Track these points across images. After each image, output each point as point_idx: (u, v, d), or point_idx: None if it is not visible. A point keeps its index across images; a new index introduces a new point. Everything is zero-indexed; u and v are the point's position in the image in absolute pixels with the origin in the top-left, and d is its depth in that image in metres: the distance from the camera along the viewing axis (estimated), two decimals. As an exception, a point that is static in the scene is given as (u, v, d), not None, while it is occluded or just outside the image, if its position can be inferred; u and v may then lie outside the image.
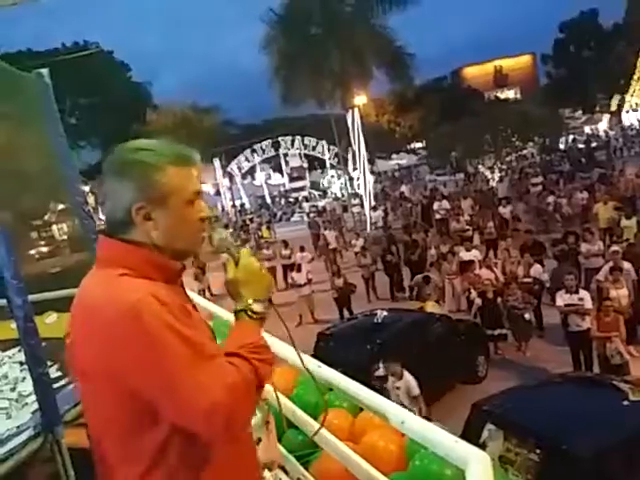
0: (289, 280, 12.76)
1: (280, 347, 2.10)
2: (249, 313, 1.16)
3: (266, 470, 2.13)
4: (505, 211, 15.38)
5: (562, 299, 7.35)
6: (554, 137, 30.24)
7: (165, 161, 1.09)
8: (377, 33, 20.59)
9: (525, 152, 30.09)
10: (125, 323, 0.96)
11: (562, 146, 34.42)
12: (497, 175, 24.43)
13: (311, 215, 25.07)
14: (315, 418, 2.19)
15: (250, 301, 1.17)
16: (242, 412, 1.02)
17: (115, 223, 1.11)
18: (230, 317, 2.43)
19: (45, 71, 2.73)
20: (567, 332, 7.38)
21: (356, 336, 7.62)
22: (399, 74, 22.09)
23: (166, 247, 1.11)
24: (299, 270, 11.89)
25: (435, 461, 1.90)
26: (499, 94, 49.43)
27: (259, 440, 2.19)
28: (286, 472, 2.19)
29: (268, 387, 2.29)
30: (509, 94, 53.65)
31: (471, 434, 4.07)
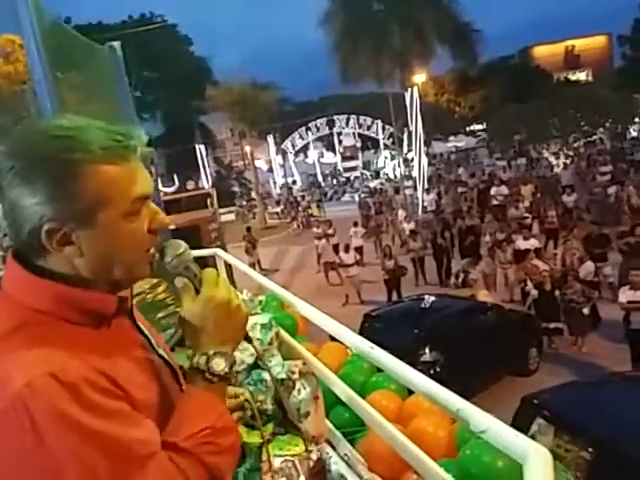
0: (337, 260, 12.85)
1: (331, 325, 2.11)
2: (207, 375, 0.82)
3: (313, 443, 2.18)
4: (569, 200, 14.65)
5: (625, 295, 6.98)
6: (627, 123, 28.27)
7: (89, 157, 0.73)
8: (442, 9, 19.94)
9: (594, 138, 28.35)
10: (4, 429, 0.65)
11: (635, 133, 32.19)
12: (562, 161, 23.23)
13: (362, 195, 24.91)
14: (363, 397, 2.21)
15: (211, 353, 0.83)
16: None
17: (21, 245, 0.77)
18: (281, 292, 2.49)
19: (117, 44, 2.82)
20: (629, 330, 7.01)
21: (403, 319, 7.57)
22: (463, 52, 21.38)
23: (96, 278, 0.78)
24: (347, 250, 11.92)
25: (487, 452, 1.87)
26: (569, 76, 46.61)
27: (307, 414, 2.23)
28: (333, 447, 2.22)
29: (318, 363, 2.33)
30: (580, 76, 50.48)
31: (519, 427, 3.98)
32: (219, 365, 0.82)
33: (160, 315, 2.63)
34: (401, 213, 16.38)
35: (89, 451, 0.65)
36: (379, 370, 2.70)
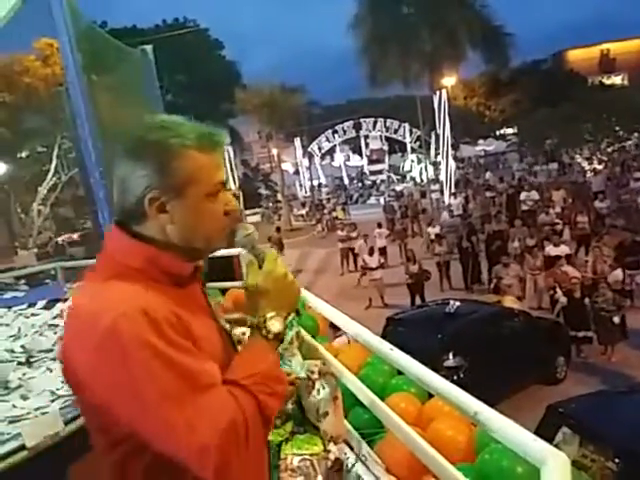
0: (361, 263, 12.81)
1: (351, 326, 2.12)
2: (264, 332, 0.98)
3: (332, 444, 2.19)
4: (602, 206, 14.26)
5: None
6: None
7: (187, 144, 0.93)
8: (474, 12, 19.67)
9: (629, 143, 27.52)
10: (101, 345, 0.81)
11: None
12: (595, 167, 22.64)
13: (388, 199, 24.73)
14: (382, 399, 2.21)
15: (268, 315, 0.99)
16: (239, 456, 0.83)
17: (124, 213, 0.96)
18: (303, 292, 2.50)
19: (149, 48, 2.90)
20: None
21: (426, 324, 7.50)
22: (495, 55, 21.02)
23: (181, 245, 0.96)
24: (371, 253, 11.88)
25: (506, 457, 1.84)
26: (604, 80, 45.30)
27: (326, 414, 2.24)
28: (351, 448, 2.23)
29: (338, 364, 2.34)
30: (615, 80, 49.00)
31: (544, 436, 3.89)
32: (275, 326, 0.99)
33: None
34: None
35: (164, 373, 0.81)
36: (399, 373, 2.69)
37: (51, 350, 2.76)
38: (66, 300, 3.51)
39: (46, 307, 3.49)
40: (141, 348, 0.80)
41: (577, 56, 55.60)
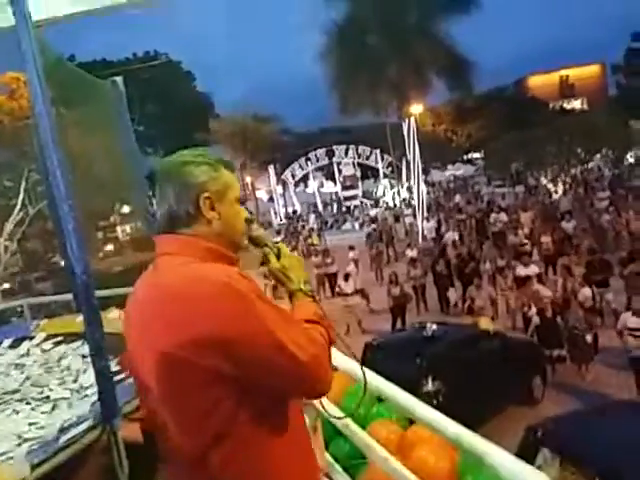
0: (336, 289, 12.76)
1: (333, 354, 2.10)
2: (304, 292, 1.33)
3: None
4: (568, 226, 14.69)
5: (628, 322, 6.93)
6: (623, 150, 28.59)
7: (219, 164, 1.26)
8: (438, 41, 20.44)
9: (591, 165, 28.62)
10: (227, 297, 1.05)
11: (632, 160, 32.48)
12: (560, 188, 23.39)
13: (368, 228, 24.66)
14: (364, 428, 2.17)
15: (301, 281, 1.35)
16: (329, 367, 1.15)
17: (176, 218, 1.20)
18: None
19: (119, 79, 2.89)
20: (630, 357, 6.95)
21: (405, 349, 7.48)
22: (459, 83, 21.78)
23: (224, 237, 1.23)
24: (346, 279, 11.86)
25: (489, 482, 1.83)
26: (565, 104, 47.35)
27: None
28: (332, 481, 2.17)
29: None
30: (575, 104, 51.27)
31: (524, 458, 3.87)
32: (309, 288, 1.35)
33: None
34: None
35: (270, 308, 1.09)
36: (380, 400, 2.66)
37: (17, 391, 2.62)
38: (32, 338, 3.37)
39: (12, 346, 3.33)
40: (255, 297, 1.07)
41: (538, 82, 58.05)
